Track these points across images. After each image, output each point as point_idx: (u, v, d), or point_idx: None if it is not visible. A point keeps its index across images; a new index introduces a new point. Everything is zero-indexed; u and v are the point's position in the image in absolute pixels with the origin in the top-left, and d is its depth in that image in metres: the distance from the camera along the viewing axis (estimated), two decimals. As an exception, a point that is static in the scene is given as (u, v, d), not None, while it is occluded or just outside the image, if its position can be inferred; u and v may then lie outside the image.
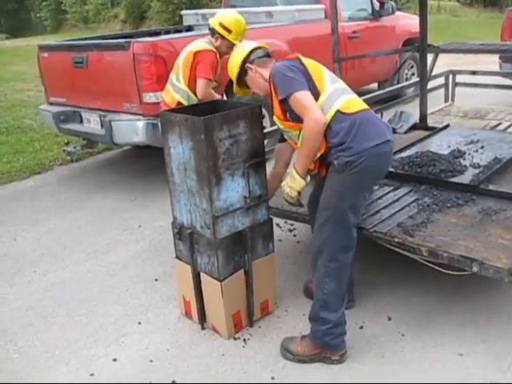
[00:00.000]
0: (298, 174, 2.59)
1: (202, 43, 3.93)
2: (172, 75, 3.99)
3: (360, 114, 2.52)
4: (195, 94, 3.84)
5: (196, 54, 3.83)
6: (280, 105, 2.60)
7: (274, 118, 2.73)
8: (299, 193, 2.68)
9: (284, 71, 2.52)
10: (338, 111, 2.49)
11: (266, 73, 2.67)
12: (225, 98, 4.87)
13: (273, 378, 2.61)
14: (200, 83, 3.79)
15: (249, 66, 2.74)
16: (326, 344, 2.66)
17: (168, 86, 4.01)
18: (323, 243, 2.59)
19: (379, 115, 4.93)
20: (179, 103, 3.84)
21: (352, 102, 2.57)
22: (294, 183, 2.63)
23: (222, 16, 3.92)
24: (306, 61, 2.61)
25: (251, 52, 2.76)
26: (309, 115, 2.43)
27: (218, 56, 3.92)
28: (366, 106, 2.61)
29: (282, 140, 2.91)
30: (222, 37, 3.87)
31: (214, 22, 3.90)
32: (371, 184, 2.72)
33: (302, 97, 2.46)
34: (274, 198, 3.27)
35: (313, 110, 2.43)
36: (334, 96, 2.52)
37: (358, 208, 2.63)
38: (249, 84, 2.82)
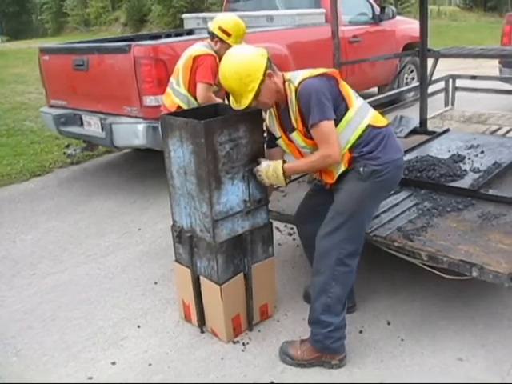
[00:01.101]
0: (284, 175, 2.65)
1: (201, 47, 3.92)
2: (172, 79, 3.99)
3: (387, 129, 2.67)
4: (195, 99, 3.83)
5: (195, 58, 3.82)
6: (303, 122, 2.57)
7: (294, 134, 2.63)
8: None
9: (319, 94, 2.47)
10: (370, 125, 2.59)
11: (278, 80, 2.59)
12: (226, 102, 4.87)
13: (272, 382, 2.61)
14: (200, 87, 3.79)
15: (271, 72, 2.55)
16: (327, 348, 2.65)
17: (168, 89, 4.00)
18: (334, 247, 2.58)
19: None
20: (179, 107, 3.83)
21: (378, 116, 2.69)
22: (275, 180, 2.70)
23: (221, 20, 3.90)
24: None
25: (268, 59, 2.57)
26: (330, 150, 2.51)
27: (217, 60, 3.90)
28: (387, 121, 2.74)
29: (270, 145, 2.88)
30: (222, 40, 3.87)
31: (213, 26, 3.88)
32: (387, 195, 2.92)
33: (329, 130, 2.49)
34: (275, 202, 3.28)
35: (335, 147, 2.51)
36: (361, 111, 2.61)
37: (372, 216, 2.82)
38: (262, 93, 2.54)
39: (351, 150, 2.57)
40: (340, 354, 2.68)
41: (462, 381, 2.53)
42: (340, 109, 2.55)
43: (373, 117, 2.63)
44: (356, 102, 2.62)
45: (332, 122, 2.49)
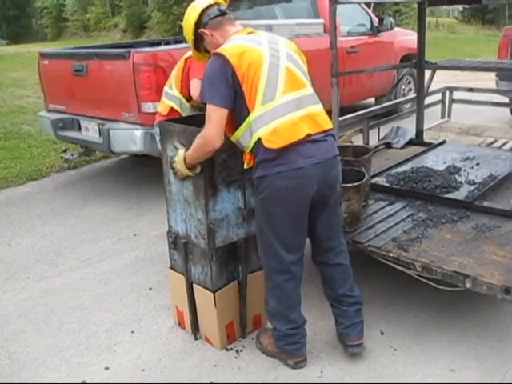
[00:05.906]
0: (185, 165, 2.56)
1: None
2: (165, 87, 3.96)
3: (285, 149, 2.32)
4: (188, 100, 3.79)
5: (187, 58, 3.76)
6: None
7: None
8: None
9: (213, 76, 2.36)
10: (261, 142, 2.34)
11: (221, 38, 2.52)
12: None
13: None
14: (194, 83, 3.69)
15: (203, 31, 2.54)
16: (281, 347, 2.72)
17: (162, 98, 3.98)
18: (262, 261, 2.70)
19: (376, 130, 4.99)
20: (172, 109, 3.78)
21: (283, 129, 2.33)
22: (182, 168, 2.58)
23: None
24: (244, 71, 2.33)
25: (202, 14, 2.52)
26: (207, 131, 2.38)
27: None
28: (298, 137, 2.33)
29: None
30: None
31: None
32: (288, 212, 2.43)
33: (214, 111, 2.35)
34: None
35: (213, 129, 2.36)
36: (260, 121, 2.34)
37: (284, 238, 2.48)
38: (209, 49, 2.57)
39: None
40: (294, 356, 2.70)
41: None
42: (239, 110, 2.39)
43: (270, 132, 2.32)
44: (259, 108, 2.33)
45: (218, 108, 2.33)
